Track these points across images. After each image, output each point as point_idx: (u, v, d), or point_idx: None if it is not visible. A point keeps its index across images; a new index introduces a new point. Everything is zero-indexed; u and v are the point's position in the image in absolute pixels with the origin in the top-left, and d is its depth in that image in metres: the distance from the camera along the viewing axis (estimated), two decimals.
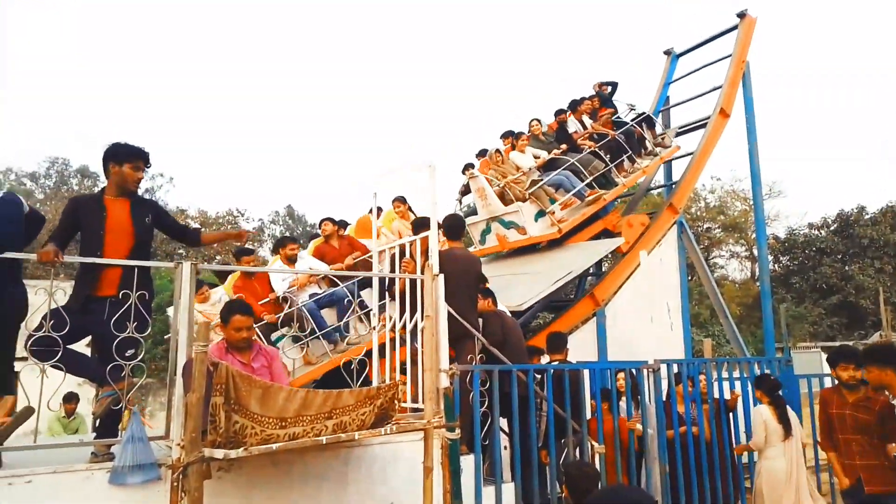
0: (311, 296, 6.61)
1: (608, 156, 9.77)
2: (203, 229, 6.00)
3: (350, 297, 6.55)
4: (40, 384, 3.66)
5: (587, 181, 9.31)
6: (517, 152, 9.63)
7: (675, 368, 6.25)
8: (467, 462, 4.69)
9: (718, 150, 11.59)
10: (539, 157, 9.47)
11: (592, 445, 5.36)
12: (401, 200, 8.36)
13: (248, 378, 3.24)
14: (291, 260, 6.82)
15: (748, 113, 11.76)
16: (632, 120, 10.76)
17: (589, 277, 11.25)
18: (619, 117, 10.83)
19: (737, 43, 12.22)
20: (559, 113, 10.19)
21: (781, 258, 36.26)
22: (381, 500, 4.22)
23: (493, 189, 9.42)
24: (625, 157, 10.07)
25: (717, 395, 6.43)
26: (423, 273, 4.69)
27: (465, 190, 10.17)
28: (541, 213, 9.12)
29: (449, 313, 4.72)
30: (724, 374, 6.82)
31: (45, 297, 3.62)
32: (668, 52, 13.91)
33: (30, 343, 3.56)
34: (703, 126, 11.73)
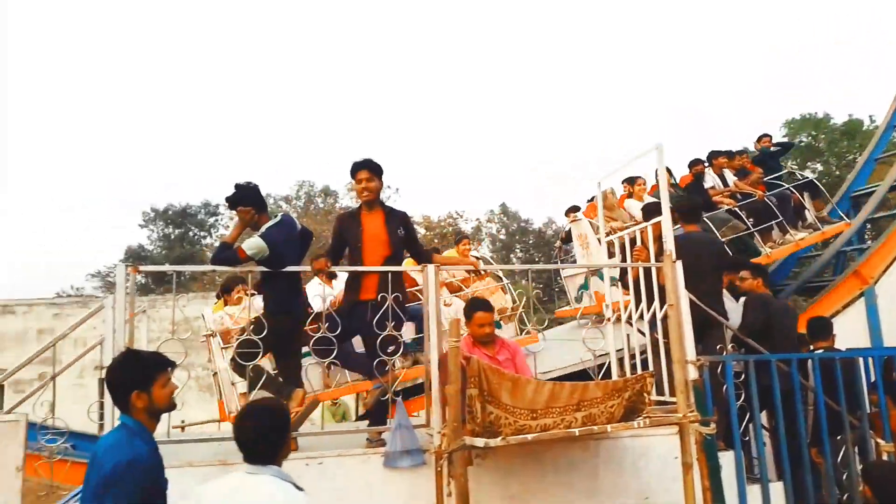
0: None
1: (751, 219, 8.16)
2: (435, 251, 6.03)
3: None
4: (322, 379, 4.23)
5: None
6: (634, 200, 8.40)
7: None
8: (726, 459, 4.38)
9: None
10: None
11: (878, 443, 4.65)
12: (629, 182, 8.03)
13: (497, 371, 3.40)
14: (331, 277, 6.61)
15: None
16: (791, 185, 8.94)
17: (848, 251, 9.82)
18: (776, 180, 9.08)
19: None
20: (695, 164, 8.75)
21: None
22: (635, 494, 4.12)
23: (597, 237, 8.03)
24: (774, 223, 8.34)
25: None
26: (657, 260, 4.49)
27: (567, 237, 9.13)
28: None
29: (691, 300, 4.45)
30: None
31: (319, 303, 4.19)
32: None
33: (312, 343, 4.12)
34: None
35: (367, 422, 4.68)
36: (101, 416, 3.68)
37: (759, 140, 9.78)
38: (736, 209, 8.24)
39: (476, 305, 4.22)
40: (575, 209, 9.05)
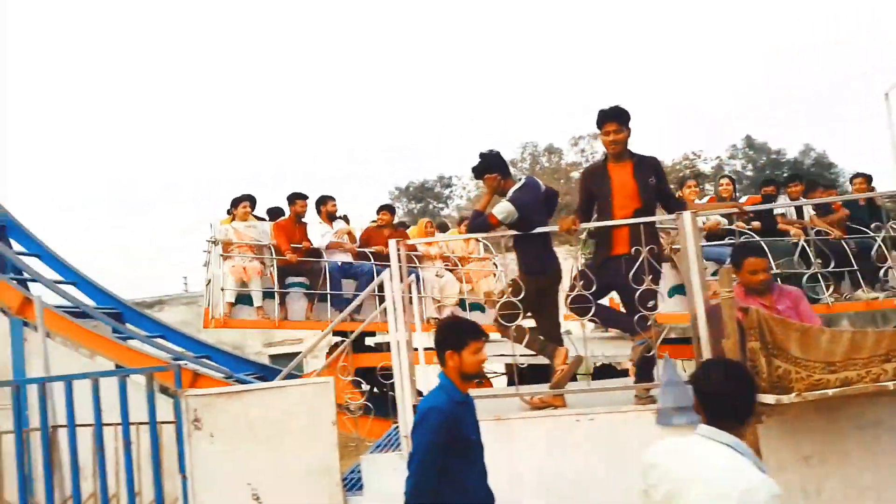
0: (341, 262, 7.12)
1: (820, 260, 6.65)
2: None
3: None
4: (583, 336, 4.27)
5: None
6: None
7: None
8: None
9: None
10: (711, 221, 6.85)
11: None
12: None
13: (782, 321, 3.10)
14: (331, 217, 7.48)
15: None
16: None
17: None
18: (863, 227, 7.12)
19: None
20: (767, 184, 7.93)
21: None
22: None
23: None
24: (846, 274, 6.97)
25: None
26: None
27: None
28: (678, 289, 6.20)
29: None
30: None
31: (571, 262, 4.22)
32: None
33: (569, 301, 4.17)
34: None
35: (633, 378, 4.61)
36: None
37: (853, 179, 8.06)
38: (804, 243, 6.84)
39: (746, 251, 3.86)
40: None
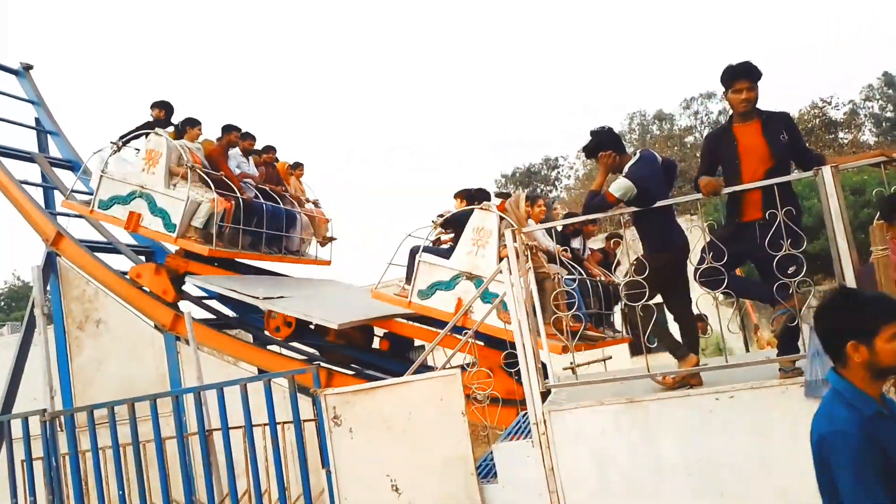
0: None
1: None
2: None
3: None
4: (716, 310, 4.04)
5: None
6: None
7: None
8: None
9: None
10: None
11: None
12: None
13: None
14: (246, 153, 8.35)
15: None
16: None
17: None
18: None
19: None
20: None
21: None
22: None
23: None
24: None
25: None
26: None
27: None
28: None
29: None
30: None
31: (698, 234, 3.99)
32: None
33: (698, 275, 3.94)
34: None
35: (775, 351, 4.30)
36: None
37: None
38: None
39: None
40: None
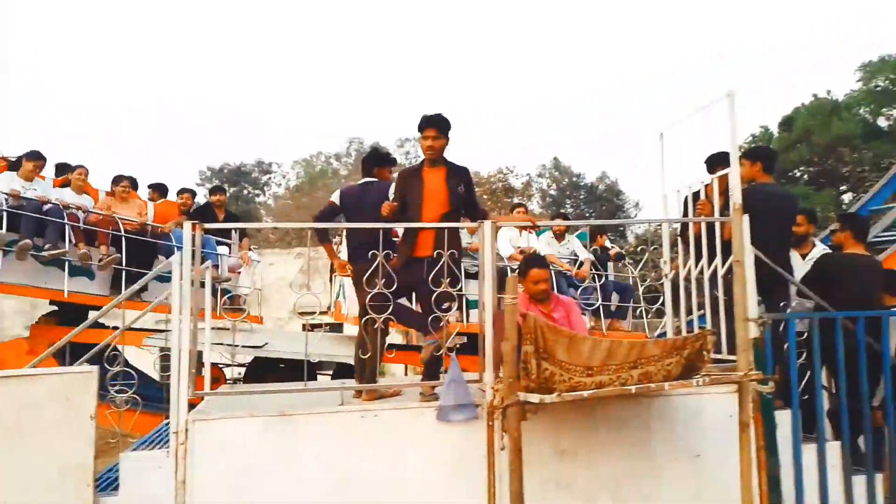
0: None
1: None
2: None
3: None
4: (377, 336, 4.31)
5: None
6: None
7: None
8: (783, 418, 4.28)
9: None
10: None
11: None
12: None
13: (554, 328, 3.37)
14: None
15: None
16: None
17: None
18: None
19: None
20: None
21: None
22: (686, 451, 4.09)
23: None
24: None
25: None
26: (723, 215, 4.33)
27: None
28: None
29: (757, 257, 4.28)
30: None
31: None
32: None
33: (368, 299, 4.18)
34: None
35: (420, 376, 4.75)
36: (166, 368, 3.87)
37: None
38: None
39: (532, 262, 4.19)
40: None
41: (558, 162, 39.91)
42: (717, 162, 4.69)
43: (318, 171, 36.77)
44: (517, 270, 4.29)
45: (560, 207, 37.95)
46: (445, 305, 4.12)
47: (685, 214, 4.91)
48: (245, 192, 39.01)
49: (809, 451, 4.34)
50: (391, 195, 4.56)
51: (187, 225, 3.89)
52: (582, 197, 38.74)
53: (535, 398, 3.24)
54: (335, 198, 4.79)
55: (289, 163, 39.88)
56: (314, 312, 4.58)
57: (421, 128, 4.30)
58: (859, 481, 4.42)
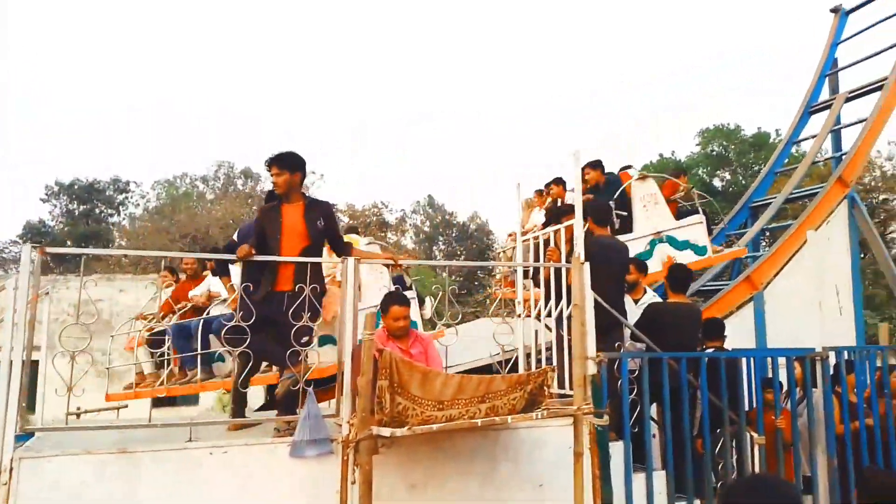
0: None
1: None
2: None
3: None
4: (234, 366, 4.22)
5: None
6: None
7: (845, 356, 5.78)
8: (616, 449, 4.71)
9: None
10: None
11: (752, 436, 5.13)
12: (538, 193, 8.34)
13: (409, 364, 3.53)
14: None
15: None
16: None
17: (746, 259, 10.62)
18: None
19: None
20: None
21: None
22: (530, 480, 4.36)
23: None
24: None
25: None
26: (568, 261, 4.75)
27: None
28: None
29: (596, 301, 4.73)
30: None
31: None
32: (835, 10, 12.53)
33: (224, 332, 4.11)
34: (878, 89, 10.53)
35: (275, 412, 4.69)
36: None
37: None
38: None
39: (392, 299, 4.32)
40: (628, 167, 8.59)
41: (433, 199, 40.94)
42: (563, 213, 5.17)
43: (181, 194, 34.90)
44: (381, 306, 4.41)
45: (432, 244, 38.82)
46: (305, 339, 4.14)
47: (537, 259, 5.32)
48: (97, 210, 36.15)
49: (639, 480, 4.78)
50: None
51: (27, 247, 3.65)
52: (454, 235, 39.86)
53: (387, 432, 3.35)
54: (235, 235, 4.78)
55: (149, 182, 37.65)
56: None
57: (267, 164, 4.42)
58: None
